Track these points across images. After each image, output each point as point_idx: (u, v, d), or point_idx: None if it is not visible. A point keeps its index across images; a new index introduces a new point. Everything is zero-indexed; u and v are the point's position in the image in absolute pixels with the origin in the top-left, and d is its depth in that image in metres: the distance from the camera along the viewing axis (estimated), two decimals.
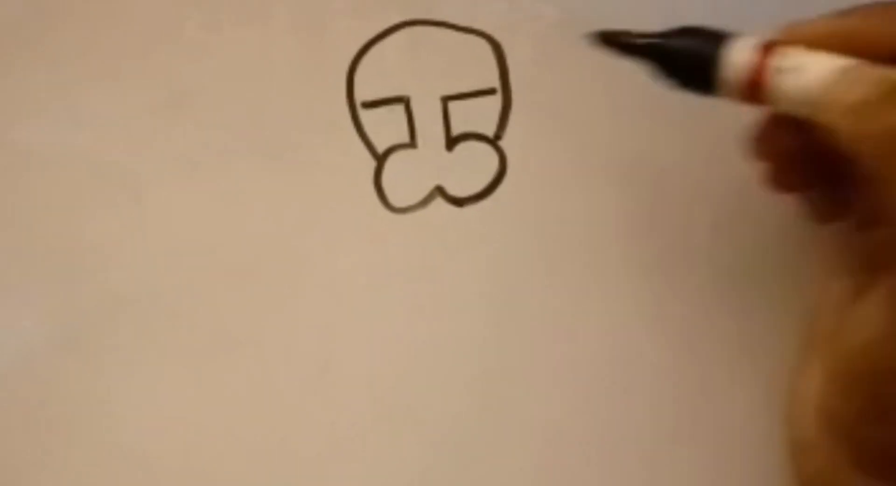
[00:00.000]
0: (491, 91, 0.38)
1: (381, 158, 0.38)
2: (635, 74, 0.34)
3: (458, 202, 0.38)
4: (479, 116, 0.38)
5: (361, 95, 0.38)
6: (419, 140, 0.38)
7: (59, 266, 0.37)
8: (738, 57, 0.32)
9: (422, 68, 0.38)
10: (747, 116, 0.33)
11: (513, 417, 0.37)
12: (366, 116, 0.38)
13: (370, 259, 0.37)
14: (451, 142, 0.38)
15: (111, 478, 0.36)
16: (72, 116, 0.36)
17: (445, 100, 0.38)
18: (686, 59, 0.33)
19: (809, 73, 0.31)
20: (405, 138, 0.38)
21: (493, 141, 0.38)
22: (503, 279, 0.37)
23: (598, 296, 0.37)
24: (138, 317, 0.37)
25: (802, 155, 0.33)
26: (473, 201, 0.38)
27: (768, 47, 0.32)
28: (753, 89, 0.32)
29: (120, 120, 0.36)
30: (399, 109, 0.38)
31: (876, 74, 0.30)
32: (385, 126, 0.38)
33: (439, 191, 0.38)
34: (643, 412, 0.36)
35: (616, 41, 0.34)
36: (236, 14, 0.37)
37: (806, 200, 0.34)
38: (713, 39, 0.33)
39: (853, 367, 0.30)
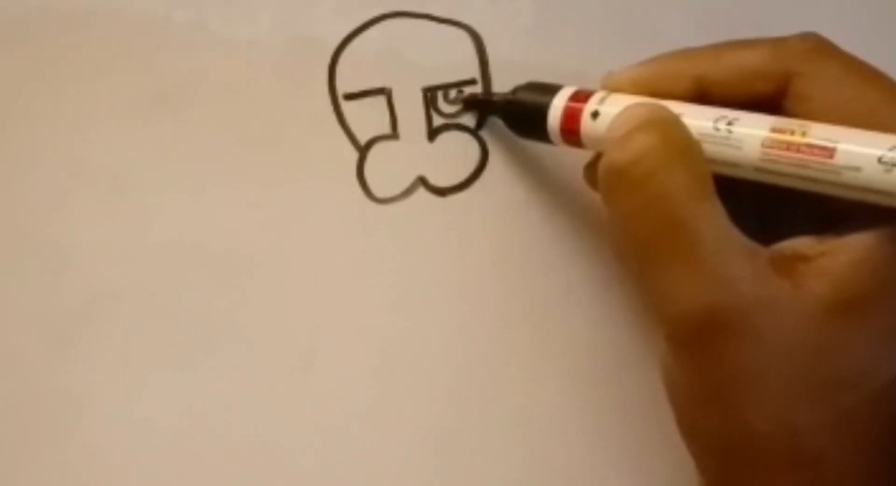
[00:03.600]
0: (471, 82, 0.38)
1: (363, 150, 0.38)
2: (613, 67, 0.35)
3: (441, 192, 0.38)
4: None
5: (343, 86, 0.38)
6: (401, 131, 0.38)
7: (43, 263, 0.36)
8: (556, 105, 0.35)
9: (403, 60, 0.38)
10: None
11: (500, 408, 0.38)
12: (348, 107, 0.38)
13: (354, 250, 0.38)
14: (433, 132, 0.38)
15: (97, 475, 0.36)
16: (56, 113, 0.36)
17: (426, 91, 0.38)
18: (525, 111, 0.36)
19: (609, 116, 0.33)
20: (387, 129, 0.38)
21: (475, 131, 0.38)
22: (487, 268, 0.38)
23: (582, 284, 0.38)
24: (123, 313, 0.37)
25: None
26: (456, 191, 0.38)
27: (583, 95, 0.34)
28: (571, 134, 0.34)
29: (104, 116, 0.36)
30: (381, 100, 0.38)
31: (635, 115, 0.32)
32: (367, 117, 0.38)
33: (422, 181, 0.38)
34: (629, 402, 0.37)
35: (475, 101, 0.38)
36: (221, 9, 0.37)
37: None
38: (550, 91, 0.35)
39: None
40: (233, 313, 0.37)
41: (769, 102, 0.33)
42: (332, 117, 0.38)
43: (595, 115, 0.34)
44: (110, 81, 0.36)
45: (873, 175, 0.29)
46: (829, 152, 0.30)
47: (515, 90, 0.37)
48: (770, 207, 0.33)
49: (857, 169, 0.29)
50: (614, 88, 0.34)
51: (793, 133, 0.30)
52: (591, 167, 0.36)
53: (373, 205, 0.38)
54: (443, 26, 0.38)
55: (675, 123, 0.32)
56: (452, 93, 0.38)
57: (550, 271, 0.38)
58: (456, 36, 0.38)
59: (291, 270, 0.38)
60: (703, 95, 0.33)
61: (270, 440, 0.37)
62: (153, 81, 0.36)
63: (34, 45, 0.36)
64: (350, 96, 0.38)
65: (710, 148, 0.32)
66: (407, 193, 0.38)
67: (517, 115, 0.37)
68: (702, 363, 0.31)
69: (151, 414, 0.37)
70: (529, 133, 0.36)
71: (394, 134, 0.38)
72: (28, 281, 0.36)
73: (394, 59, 0.38)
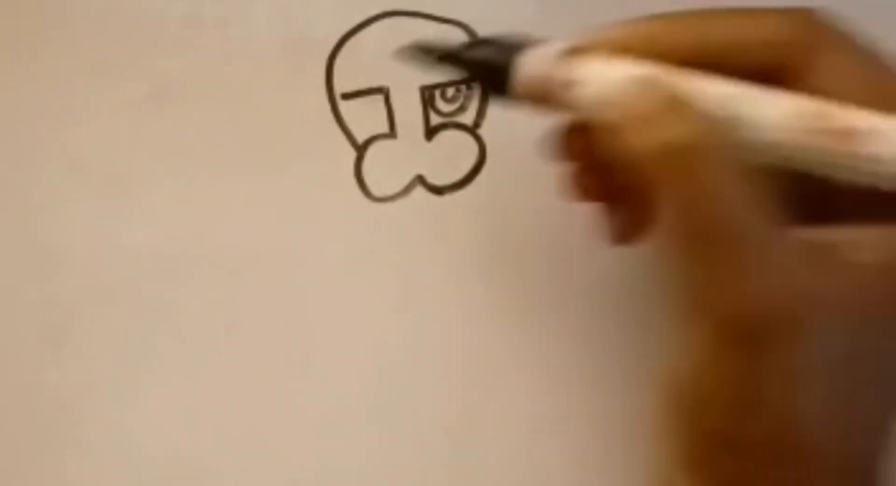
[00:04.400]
0: (469, 80, 0.38)
1: (361, 149, 0.38)
2: None
3: (439, 191, 0.38)
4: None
5: (341, 86, 0.38)
6: (399, 130, 0.38)
7: (44, 261, 0.37)
8: (533, 64, 0.31)
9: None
10: None
11: (497, 406, 0.37)
12: (345, 106, 0.38)
13: (352, 248, 0.38)
14: (431, 131, 0.38)
15: (98, 472, 0.37)
16: (54, 112, 0.36)
17: (424, 89, 0.38)
18: (491, 66, 0.32)
19: (599, 81, 0.30)
20: (385, 128, 0.38)
21: (473, 129, 0.38)
22: (485, 267, 0.38)
23: (580, 281, 0.37)
24: (123, 311, 0.37)
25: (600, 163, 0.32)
26: (454, 190, 0.38)
27: (565, 54, 0.31)
28: (546, 98, 0.31)
29: (103, 114, 0.36)
30: (378, 99, 0.38)
31: (660, 86, 0.29)
32: (365, 117, 0.38)
33: (420, 180, 0.38)
34: (631, 401, 0.36)
35: (432, 51, 0.34)
36: (218, 8, 0.37)
37: (606, 215, 0.34)
38: (516, 47, 0.32)
39: (676, 400, 0.30)
40: (230, 311, 0.37)
41: (769, 75, 0.30)
42: (330, 116, 0.38)
43: (571, 80, 0.31)
44: (106, 78, 0.36)
45: None
46: (855, 137, 0.28)
47: (478, 43, 0.33)
48: (814, 195, 0.30)
49: (880, 157, 0.28)
50: (597, 47, 0.31)
51: (820, 117, 0.29)
52: (573, 134, 0.33)
53: (371, 204, 0.38)
54: (440, 25, 0.38)
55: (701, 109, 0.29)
56: (450, 91, 0.38)
57: (548, 269, 0.38)
58: (453, 34, 0.38)
59: (289, 268, 0.38)
60: (698, 64, 0.30)
61: (268, 439, 0.37)
62: (150, 78, 0.37)
63: (29, 43, 0.36)
64: (348, 95, 0.38)
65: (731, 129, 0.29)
66: (405, 191, 0.38)
67: (481, 70, 0.33)
68: (750, 362, 0.28)
69: (149, 414, 0.37)
70: (493, 89, 0.33)
71: (391, 133, 0.38)
72: (24, 280, 0.37)
73: (392, 57, 0.38)
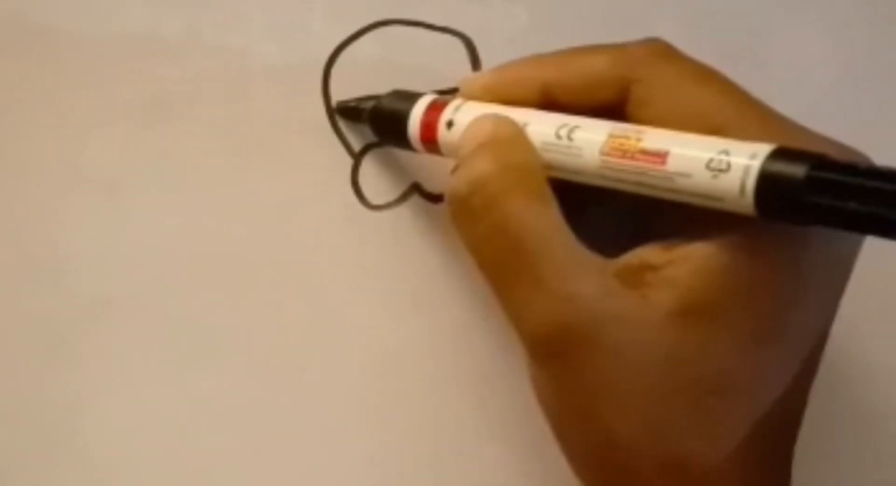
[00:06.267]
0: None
1: (357, 156, 0.38)
2: None
3: (435, 199, 0.39)
4: None
5: (337, 94, 0.38)
6: None
7: (39, 269, 0.36)
8: (415, 114, 0.35)
9: (396, 67, 0.38)
10: None
11: (498, 413, 0.38)
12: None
13: (348, 256, 0.38)
14: None
15: (95, 481, 0.36)
16: (52, 121, 0.36)
17: None
18: (389, 120, 0.36)
19: (462, 125, 0.34)
20: None
21: None
22: (480, 274, 0.38)
23: None
24: (120, 318, 0.36)
25: None
26: None
27: (440, 104, 0.35)
28: (431, 144, 0.35)
29: (99, 123, 0.36)
30: None
31: (479, 130, 0.33)
32: (361, 124, 0.38)
33: (416, 188, 0.39)
34: None
35: (345, 110, 0.37)
36: (214, 17, 0.37)
37: None
38: (411, 100, 0.35)
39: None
40: (230, 318, 0.37)
41: (614, 108, 0.33)
42: (327, 125, 0.38)
43: (450, 124, 0.34)
44: (105, 88, 0.36)
45: (702, 181, 0.29)
46: (662, 158, 0.29)
47: (380, 99, 0.37)
48: (641, 214, 0.33)
49: (688, 175, 0.29)
50: (469, 95, 0.35)
51: (628, 139, 0.30)
52: None
53: (367, 212, 0.38)
54: (436, 34, 0.38)
55: (514, 141, 0.32)
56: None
57: None
58: (449, 43, 0.38)
59: (286, 276, 0.38)
60: (551, 102, 0.33)
61: (266, 444, 0.37)
62: (148, 89, 0.36)
63: (29, 55, 0.36)
64: (344, 104, 0.38)
65: (553, 157, 0.32)
66: (401, 199, 0.38)
67: (382, 124, 0.36)
68: (560, 378, 0.31)
69: (150, 418, 0.37)
70: (396, 142, 0.36)
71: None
72: (25, 288, 0.36)
73: (387, 67, 0.38)
